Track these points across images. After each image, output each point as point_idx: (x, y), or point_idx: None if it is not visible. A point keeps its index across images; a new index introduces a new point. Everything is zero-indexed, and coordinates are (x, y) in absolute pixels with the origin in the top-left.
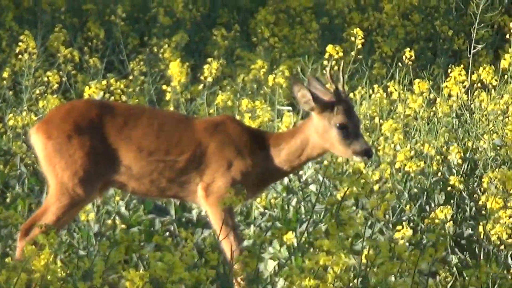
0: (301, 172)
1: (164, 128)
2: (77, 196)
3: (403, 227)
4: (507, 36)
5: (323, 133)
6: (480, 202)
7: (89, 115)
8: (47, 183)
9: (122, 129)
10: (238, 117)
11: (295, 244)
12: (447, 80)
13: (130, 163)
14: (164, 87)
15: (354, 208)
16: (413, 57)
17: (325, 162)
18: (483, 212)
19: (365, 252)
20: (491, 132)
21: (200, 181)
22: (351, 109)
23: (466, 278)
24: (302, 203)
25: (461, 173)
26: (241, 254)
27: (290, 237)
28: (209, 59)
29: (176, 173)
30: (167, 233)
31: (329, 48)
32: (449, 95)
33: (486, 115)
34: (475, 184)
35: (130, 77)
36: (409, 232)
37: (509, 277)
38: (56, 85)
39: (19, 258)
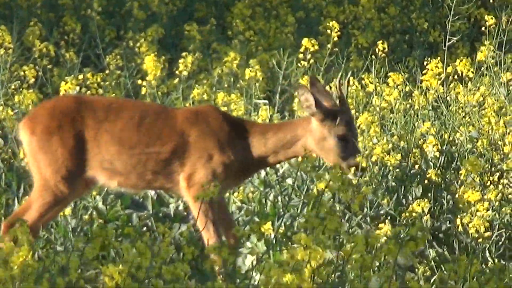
0: (278, 166)
1: (145, 120)
2: (60, 193)
3: (384, 224)
4: (483, 28)
5: (320, 140)
6: (457, 195)
7: (72, 111)
8: (27, 178)
9: (103, 123)
10: None
11: (273, 238)
12: (424, 73)
13: (113, 157)
14: (139, 81)
15: (331, 202)
16: (386, 50)
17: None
18: (461, 205)
19: (343, 246)
20: (468, 124)
21: (182, 171)
22: (352, 121)
23: (445, 272)
24: (280, 197)
25: (438, 166)
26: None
27: (268, 228)
28: (184, 53)
29: (160, 164)
30: (145, 228)
31: (305, 41)
32: (427, 88)
33: (462, 107)
34: (452, 177)
35: (107, 71)
36: (390, 228)
37: (487, 270)
38: (32, 80)
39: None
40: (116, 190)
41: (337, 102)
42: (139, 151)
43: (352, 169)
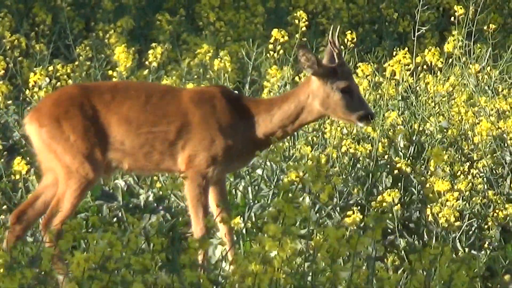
0: None
1: (151, 100)
2: (84, 177)
3: (353, 212)
4: (452, 18)
5: (325, 98)
6: (427, 185)
7: (77, 98)
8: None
9: (110, 105)
10: None
11: (243, 229)
12: (392, 63)
13: (122, 137)
14: (110, 72)
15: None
16: (355, 40)
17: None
18: (430, 195)
19: (313, 236)
20: (438, 114)
21: (182, 152)
22: (351, 74)
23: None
24: (250, 187)
25: (408, 156)
26: (206, 233)
27: (238, 222)
28: (153, 44)
29: (166, 144)
30: (115, 219)
31: (274, 32)
32: (393, 77)
33: (432, 98)
34: (422, 167)
35: (76, 62)
36: (359, 217)
37: (457, 260)
38: (2, 71)
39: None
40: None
41: (335, 57)
42: (146, 130)
43: (362, 120)
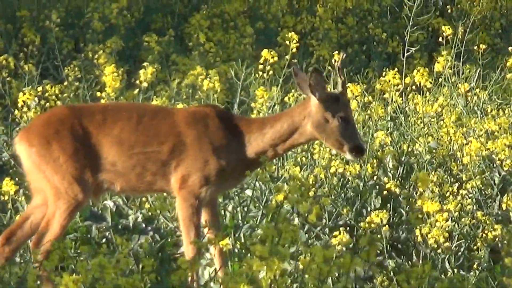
0: None
1: (143, 120)
2: (73, 198)
3: (340, 233)
4: (441, 39)
5: (323, 122)
6: (416, 206)
7: (68, 119)
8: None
9: (101, 126)
10: None
11: (232, 250)
12: (380, 81)
13: (113, 158)
14: (98, 93)
15: (290, 213)
16: (337, 64)
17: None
18: (419, 215)
19: (301, 257)
20: (426, 135)
21: (175, 172)
22: (350, 104)
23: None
24: (239, 208)
25: (397, 176)
26: (197, 254)
27: (226, 244)
28: (144, 64)
29: (158, 165)
30: (104, 240)
31: (265, 52)
32: (383, 96)
33: (421, 118)
34: (411, 187)
35: (65, 83)
36: (347, 237)
37: (446, 280)
38: None
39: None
40: (120, 195)
41: (339, 85)
42: (138, 151)
43: (353, 151)
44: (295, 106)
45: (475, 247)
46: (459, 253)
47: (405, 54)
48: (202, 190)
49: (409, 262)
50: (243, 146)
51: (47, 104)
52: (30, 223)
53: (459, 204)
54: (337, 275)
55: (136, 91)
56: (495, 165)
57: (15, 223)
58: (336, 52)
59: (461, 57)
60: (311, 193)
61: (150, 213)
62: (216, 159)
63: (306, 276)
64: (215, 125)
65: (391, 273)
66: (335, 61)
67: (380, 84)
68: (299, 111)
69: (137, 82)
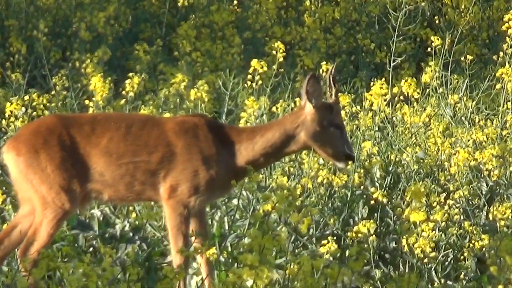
0: None
1: (132, 130)
2: (61, 208)
3: (328, 242)
4: (429, 49)
5: (318, 131)
6: (403, 216)
7: (56, 128)
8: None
9: (90, 136)
10: None
11: (219, 259)
12: (368, 92)
13: (102, 168)
14: (86, 102)
15: (277, 222)
16: (326, 75)
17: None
18: (406, 225)
19: (289, 266)
20: (414, 145)
21: (164, 182)
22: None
23: None
24: (226, 217)
25: (384, 186)
26: (184, 263)
27: (213, 253)
28: (130, 74)
29: (147, 174)
30: (91, 249)
31: (254, 62)
32: (371, 108)
33: (408, 128)
34: (399, 197)
35: (53, 92)
36: (334, 246)
37: None
38: None
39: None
40: (108, 205)
41: (332, 93)
42: (127, 161)
43: (345, 159)
44: (287, 115)
45: (462, 257)
46: (446, 263)
47: (392, 64)
48: (191, 199)
49: (396, 272)
50: (233, 155)
51: (34, 113)
52: (17, 232)
53: (446, 214)
54: (324, 284)
55: (123, 100)
56: (482, 175)
57: (2, 231)
58: (324, 62)
59: (449, 67)
60: (298, 203)
61: (137, 222)
62: (205, 169)
63: (294, 285)
64: (204, 134)
65: (378, 282)
66: (322, 71)
67: (370, 94)
68: (292, 119)
69: (124, 92)
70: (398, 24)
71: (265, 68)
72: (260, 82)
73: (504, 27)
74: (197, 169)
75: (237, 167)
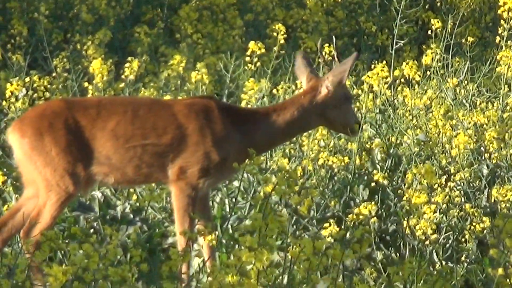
0: None
1: (139, 113)
2: (64, 190)
3: (330, 224)
4: (430, 32)
5: (338, 105)
6: (404, 198)
7: (62, 112)
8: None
9: (96, 120)
10: None
11: (220, 241)
12: (371, 75)
13: (108, 152)
14: (86, 84)
15: (278, 204)
16: (333, 53)
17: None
18: (407, 207)
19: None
20: (415, 127)
21: (173, 164)
22: None
23: (390, 274)
24: (226, 199)
25: (385, 168)
26: (189, 244)
27: (212, 239)
28: (130, 58)
29: (155, 157)
30: (92, 230)
31: (252, 44)
32: (372, 90)
33: (409, 111)
34: (400, 179)
35: (54, 74)
36: (336, 229)
37: (435, 272)
38: None
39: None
40: (109, 186)
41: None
42: (135, 144)
43: (356, 129)
44: (300, 93)
45: (463, 239)
46: (447, 245)
47: (394, 47)
48: (200, 181)
49: (397, 254)
50: (247, 136)
51: (35, 95)
52: (21, 214)
53: (447, 196)
54: (325, 266)
55: (123, 84)
56: (483, 158)
57: (6, 213)
58: (327, 44)
59: (450, 50)
60: (299, 185)
61: (138, 204)
62: (217, 151)
63: (295, 267)
64: (215, 116)
65: (379, 264)
66: (325, 53)
67: (368, 77)
68: (309, 97)
69: (123, 76)
70: (400, 7)
71: (263, 50)
72: (258, 64)
73: (499, 11)
74: (208, 151)
75: (251, 147)
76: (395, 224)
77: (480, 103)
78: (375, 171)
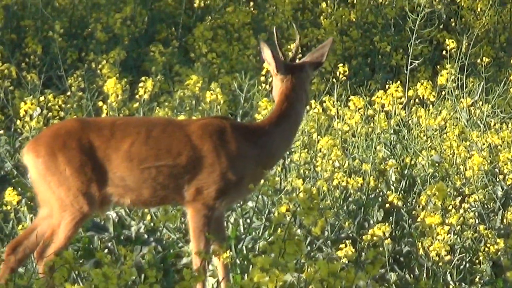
0: None
1: (153, 134)
2: (79, 211)
3: (345, 245)
4: (445, 52)
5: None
6: (418, 219)
7: (76, 132)
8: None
9: (110, 141)
10: None
11: (234, 261)
12: (381, 95)
13: (123, 173)
14: (100, 103)
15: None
16: (347, 73)
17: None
18: (421, 228)
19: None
20: (429, 148)
21: (189, 185)
22: None
23: None
24: (241, 220)
25: (399, 190)
26: (203, 264)
27: (226, 257)
28: (143, 78)
29: (170, 178)
30: (106, 251)
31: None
32: (384, 109)
33: (424, 131)
34: (414, 201)
35: (68, 93)
36: (351, 250)
37: None
38: None
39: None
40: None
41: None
42: (149, 165)
43: None
44: (283, 87)
45: (477, 261)
46: (461, 267)
47: (409, 67)
48: (217, 201)
49: (411, 275)
50: (264, 150)
51: (50, 114)
52: (36, 234)
53: (462, 218)
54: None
55: (137, 103)
56: (497, 179)
57: (22, 233)
58: (341, 64)
59: (465, 70)
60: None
61: (152, 224)
62: (233, 171)
63: None
64: (229, 136)
65: (393, 286)
66: (339, 73)
67: (379, 97)
68: (299, 88)
69: (137, 96)
70: (415, 27)
71: None
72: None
73: None
74: (224, 171)
75: (269, 160)
76: (409, 246)
77: (495, 124)
78: (389, 192)
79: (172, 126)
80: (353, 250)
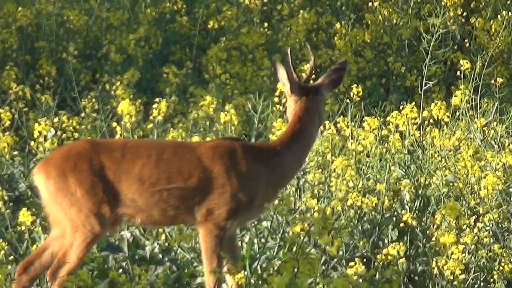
0: None
1: (163, 156)
2: (90, 231)
3: (355, 263)
4: (459, 73)
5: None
6: (433, 239)
7: (87, 153)
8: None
9: (121, 162)
10: None
11: (249, 281)
12: (395, 115)
13: (134, 195)
14: (114, 124)
15: (307, 244)
16: (361, 93)
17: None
18: (436, 248)
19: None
20: (444, 168)
21: (201, 206)
22: None
23: None
24: (255, 239)
25: (414, 209)
26: (217, 284)
27: (241, 277)
28: (157, 99)
29: (181, 200)
30: (121, 270)
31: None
32: (398, 129)
33: (438, 152)
34: (428, 220)
35: (82, 114)
36: (362, 268)
37: None
38: (8, 122)
39: None
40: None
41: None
42: (160, 188)
43: None
44: (302, 107)
45: (491, 280)
46: (476, 286)
47: (423, 88)
48: (229, 222)
49: None
50: (275, 171)
51: (64, 135)
52: (48, 254)
53: (476, 237)
54: None
55: (152, 124)
56: None
57: (33, 253)
58: (355, 85)
59: (479, 91)
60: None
61: (167, 244)
62: (244, 192)
63: None
64: (240, 157)
65: None
66: (353, 94)
67: (394, 118)
68: (313, 110)
69: (151, 117)
70: (429, 47)
71: None
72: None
73: None
74: (235, 192)
75: (281, 181)
76: (423, 265)
77: (509, 144)
78: (403, 212)
79: (182, 149)
80: (365, 268)
